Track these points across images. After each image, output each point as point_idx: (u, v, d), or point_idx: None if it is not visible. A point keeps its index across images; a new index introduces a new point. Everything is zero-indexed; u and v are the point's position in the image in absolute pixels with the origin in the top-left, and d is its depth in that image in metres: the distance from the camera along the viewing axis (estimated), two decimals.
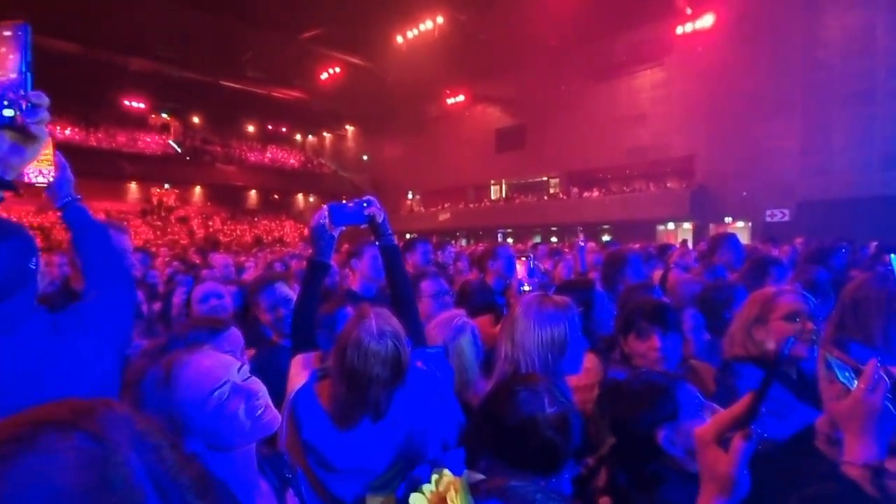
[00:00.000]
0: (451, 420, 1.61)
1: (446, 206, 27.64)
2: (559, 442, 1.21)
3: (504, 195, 27.05)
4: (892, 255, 1.94)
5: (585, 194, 22.13)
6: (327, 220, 1.81)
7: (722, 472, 0.95)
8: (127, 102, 26.07)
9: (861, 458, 1.09)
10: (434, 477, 0.67)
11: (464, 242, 23.24)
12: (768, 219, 14.74)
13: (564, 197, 23.04)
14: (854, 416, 1.10)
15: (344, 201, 1.89)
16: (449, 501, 0.64)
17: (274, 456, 1.23)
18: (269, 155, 31.48)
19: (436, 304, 2.67)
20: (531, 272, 3.01)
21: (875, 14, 14.57)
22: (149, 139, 26.95)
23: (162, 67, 22.87)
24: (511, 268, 3.38)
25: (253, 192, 31.25)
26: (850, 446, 1.11)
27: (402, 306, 1.85)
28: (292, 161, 32.49)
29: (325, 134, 35.19)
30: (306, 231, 28.90)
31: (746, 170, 17.00)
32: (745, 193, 16.56)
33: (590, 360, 2.16)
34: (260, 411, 1.05)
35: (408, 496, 0.67)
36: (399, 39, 21.38)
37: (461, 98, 26.01)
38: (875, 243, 6.29)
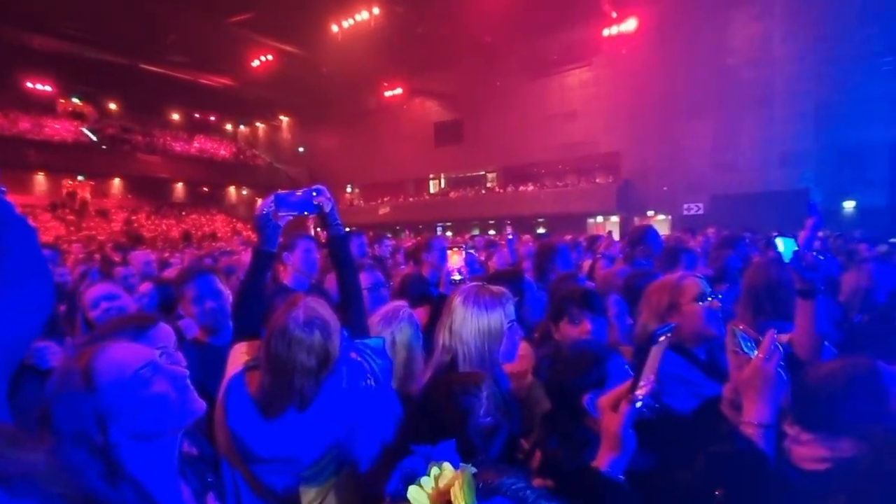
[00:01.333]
0: (387, 412, 1.57)
1: (386, 199, 27.49)
2: (481, 452, 1.22)
3: (443, 189, 27.28)
4: (778, 238, 2.09)
5: (521, 188, 22.86)
6: (273, 209, 1.76)
7: (612, 431, 1.12)
8: (30, 84, 23.68)
9: (757, 418, 1.22)
10: (434, 470, 0.64)
11: (405, 236, 23.25)
12: (685, 212, 15.99)
13: (501, 191, 23.66)
14: (752, 381, 1.24)
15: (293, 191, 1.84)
16: (452, 497, 0.59)
17: (196, 458, 1.22)
18: (196, 145, 29.72)
19: (371, 298, 2.67)
20: (469, 263, 3.10)
21: (772, 26, 16.20)
22: (57, 125, 24.59)
23: (70, 47, 20.87)
24: (445, 259, 3.47)
25: (179, 185, 29.42)
26: (747, 408, 1.25)
27: (349, 297, 1.84)
28: (223, 152, 30.88)
29: (258, 124, 33.74)
30: (240, 225, 27.79)
31: (666, 166, 18.34)
32: (665, 188, 17.91)
33: (523, 348, 2.21)
34: (186, 393, 1.05)
35: (401, 491, 0.63)
36: (335, 29, 20.86)
37: (399, 91, 25.82)
38: (775, 233, 7.03)
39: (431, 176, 27.86)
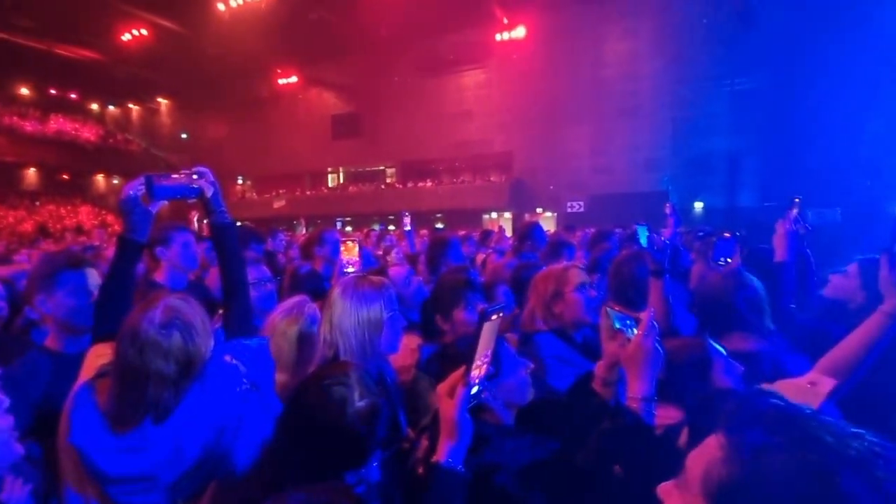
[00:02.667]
0: (266, 417, 1.43)
1: (281, 192, 26.23)
2: (367, 435, 1.20)
3: (342, 183, 26.74)
4: (639, 227, 2.23)
5: (420, 185, 23.20)
6: (143, 192, 1.57)
7: (448, 417, 1.09)
8: None
9: (640, 393, 1.29)
10: None
11: (300, 230, 22.40)
12: (569, 209, 17.39)
13: (400, 186, 23.80)
14: (634, 358, 1.31)
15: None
16: None
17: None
18: (53, 125, 25.92)
19: (256, 293, 2.51)
20: (365, 257, 3.13)
21: (639, 44, 18.23)
22: None
23: None
24: (339, 253, 3.31)
25: (31, 171, 25.54)
26: (631, 384, 1.32)
27: (232, 293, 1.71)
28: (87, 134, 27.23)
29: (131, 105, 30.25)
30: (109, 217, 24.74)
31: (552, 166, 19.79)
32: (551, 187, 19.40)
33: (411, 340, 2.26)
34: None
35: None
36: (221, 7, 19.40)
37: (294, 79, 24.73)
38: (635, 225, 7.96)
39: (330, 169, 27.13)
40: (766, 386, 1.57)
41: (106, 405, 1.28)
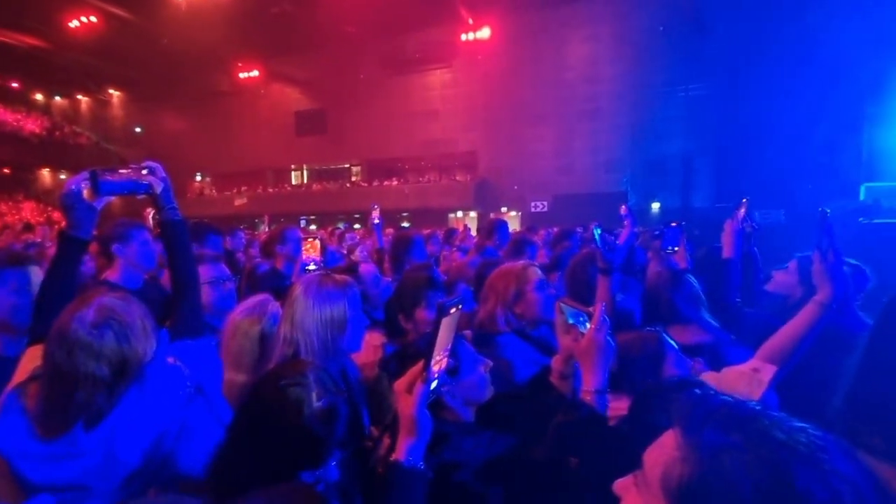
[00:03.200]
0: (212, 421, 1.38)
1: (243, 189, 25.56)
2: (325, 435, 1.18)
3: (306, 181, 26.27)
4: (595, 228, 2.29)
5: (386, 183, 23.07)
6: (88, 187, 1.49)
7: (407, 414, 1.06)
8: None
9: (593, 385, 1.32)
10: None
11: (263, 229, 21.88)
12: (532, 209, 17.72)
13: (366, 185, 23.60)
14: (587, 352, 1.34)
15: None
16: None
17: None
18: None
19: (215, 292, 2.48)
20: (330, 255, 3.08)
21: (600, 49, 18.74)
22: None
23: None
24: (301, 251, 3.27)
25: None
26: (585, 378, 1.35)
27: (181, 292, 1.66)
28: (31, 126, 25.73)
29: (79, 96, 28.79)
30: (56, 215, 23.56)
31: (516, 167, 20.10)
32: (516, 187, 19.70)
33: (376, 338, 2.29)
34: None
35: None
36: None
37: (256, 73, 24.13)
38: (593, 224, 8.21)
39: (293, 167, 26.62)
40: (712, 374, 1.65)
41: (34, 410, 1.22)
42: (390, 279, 3.63)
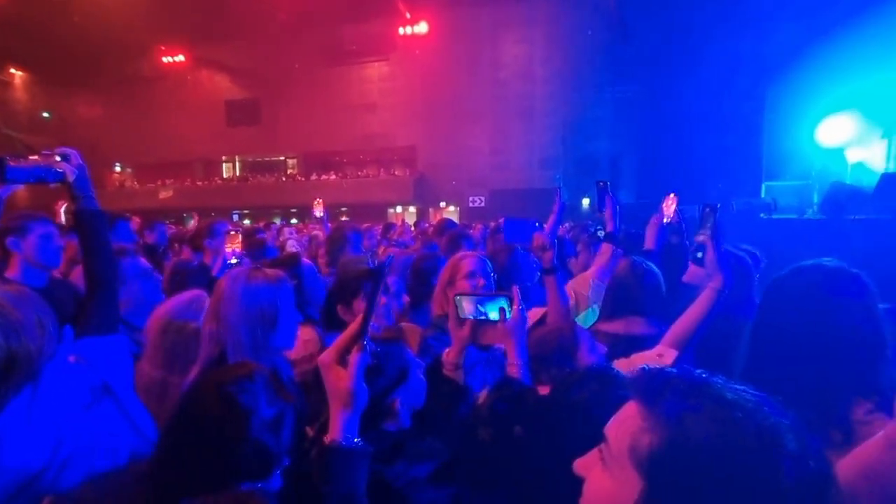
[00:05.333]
0: (121, 422, 1.30)
1: (168, 182, 24.06)
2: (273, 445, 1.11)
3: (238, 174, 25.14)
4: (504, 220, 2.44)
5: (324, 177, 22.57)
6: None
7: (343, 387, 1.00)
8: None
9: (519, 358, 1.44)
10: None
11: (192, 223, 20.73)
12: (471, 204, 18.01)
13: (303, 179, 22.97)
14: (514, 329, 1.45)
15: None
16: None
17: None
18: None
19: (135, 288, 2.40)
20: (269, 250, 3.00)
21: (533, 50, 19.35)
22: None
23: None
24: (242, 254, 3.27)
25: None
26: (511, 353, 1.47)
27: (95, 287, 1.57)
28: None
29: None
30: None
31: (454, 162, 20.34)
32: (454, 182, 19.94)
33: (307, 333, 2.21)
34: None
35: None
36: None
37: (181, 58, 22.76)
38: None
39: (224, 158, 25.38)
40: (623, 360, 1.79)
41: None
42: (327, 274, 3.62)
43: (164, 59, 22.74)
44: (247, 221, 20.13)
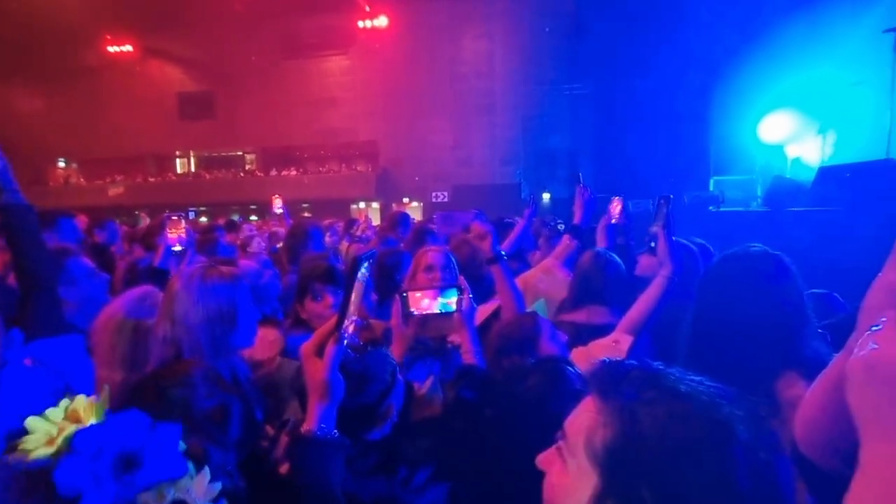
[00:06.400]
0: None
1: (118, 178, 22.93)
2: (218, 438, 1.10)
3: (193, 169, 24.25)
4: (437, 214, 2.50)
5: (284, 173, 22.08)
6: None
7: (319, 378, 1.01)
8: None
9: (473, 346, 1.58)
10: (64, 402, 0.61)
11: (143, 221, 19.82)
12: (433, 199, 18.02)
13: (262, 174, 22.39)
14: (466, 320, 1.57)
15: None
16: (82, 415, 0.59)
17: None
18: None
19: (82, 289, 2.30)
20: (223, 248, 2.92)
21: (493, 46, 19.47)
22: None
23: None
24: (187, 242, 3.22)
25: None
26: (466, 343, 1.61)
27: (30, 287, 1.52)
28: None
29: None
30: None
31: (417, 157, 20.27)
32: (416, 178, 19.91)
33: (269, 332, 2.19)
34: None
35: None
36: None
37: (129, 48, 21.68)
38: (492, 218, 8.68)
39: (178, 153, 24.40)
40: (581, 348, 1.92)
41: None
42: (288, 271, 3.58)
43: (110, 49, 21.59)
44: (203, 219, 19.48)
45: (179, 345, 1.46)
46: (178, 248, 2.50)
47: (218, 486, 0.68)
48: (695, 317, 1.58)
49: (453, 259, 2.31)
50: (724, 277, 1.53)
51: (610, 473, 0.64)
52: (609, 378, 0.70)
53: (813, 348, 1.38)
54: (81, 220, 5.24)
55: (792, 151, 10.10)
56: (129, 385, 1.22)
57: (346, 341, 1.04)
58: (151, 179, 23.16)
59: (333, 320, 1.03)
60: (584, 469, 0.66)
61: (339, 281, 2.16)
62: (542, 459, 0.75)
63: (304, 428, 1.03)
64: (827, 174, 6.36)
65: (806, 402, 0.78)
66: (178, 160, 24.59)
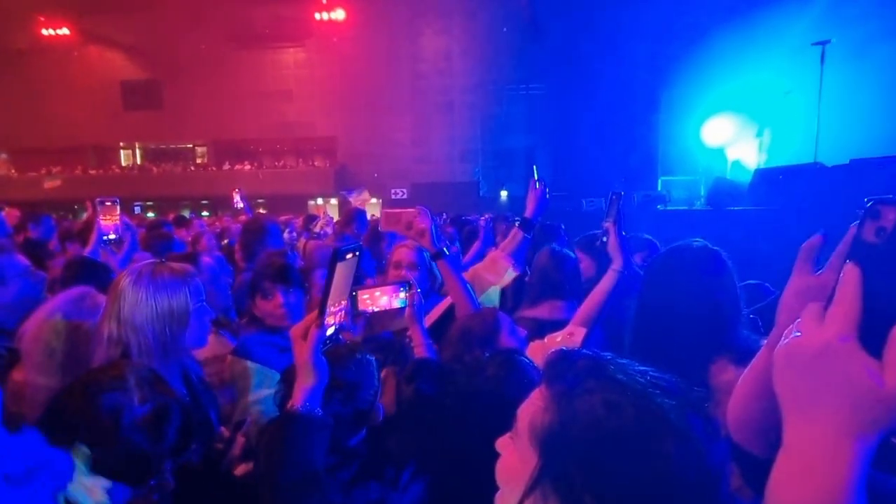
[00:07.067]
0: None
1: (55, 170, 21.51)
2: (150, 446, 1.06)
3: (139, 161, 23.08)
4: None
5: (237, 167, 21.37)
6: None
7: (303, 359, 1.08)
8: None
9: (423, 339, 1.65)
10: None
11: (86, 215, 18.70)
12: (393, 196, 17.92)
13: (214, 168, 21.59)
14: (416, 314, 1.64)
15: None
16: None
17: None
18: None
19: (15, 288, 2.21)
20: (174, 244, 2.78)
21: (452, 43, 19.55)
22: None
23: None
24: (129, 238, 3.08)
25: None
26: (417, 336, 1.66)
27: None
28: None
29: None
30: None
31: (375, 154, 20.13)
32: (375, 175, 19.72)
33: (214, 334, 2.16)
34: None
35: None
36: None
37: (65, 31, 20.35)
38: (451, 215, 8.77)
39: (122, 145, 23.15)
40: (539, 342, 1.97)
41: None
42: (243, 269, 3.49)
43: (45, 32, 20.19)
44: (150, 214, 18.58)
45: (126, 345, 1.41)
46: (111, 236, 2.32)
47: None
48: (639, 307, 1.68)
49: (426, 256, 2.30)
50: (666, 270, 1.63)
51: (546, 456, 0.67)
52: (557, 366, 0.72)
53: (744, 336, 1.50)
54: (12, 215, 4.94)
55: (732, 154, 10.74)
56: (58, 391, 1.14)
57: (336, 327, 1.10)
58: (92, 172, 21.87)
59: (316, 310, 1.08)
60: (526, 452, 0.70)
61: (293, 280, 2.11)
62: (499, 443, 0.78)
63: (290, 405, 1.08)
64: (762, 176, 6.79)
65: (736, 392, 0.82)
66: (122, 152, 23.33)
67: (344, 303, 1.13)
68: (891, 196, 0.46)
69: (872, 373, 0.46)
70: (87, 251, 2.27)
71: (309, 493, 1.02)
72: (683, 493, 0.61)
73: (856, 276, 0.48)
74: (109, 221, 2.33)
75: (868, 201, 0.48)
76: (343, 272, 1.07)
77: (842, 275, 0.49)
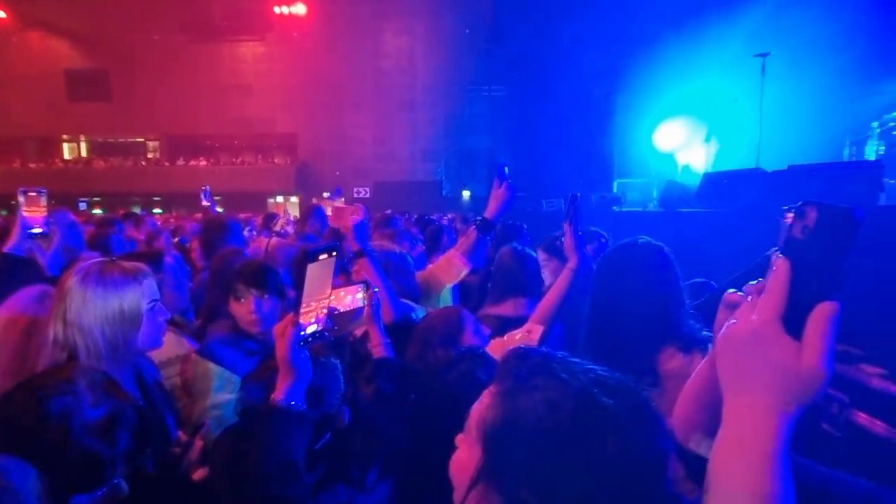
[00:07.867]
0: None
1: None
2: (103, 451, 1.03)
3: (85, 156, 21.90)
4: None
5: (192, 163, 20.62)
6: None
7: (281, 356, 1.10)
8: None
9: (380, 338, 1.66)
10: None
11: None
12: (355, 195, 17.76)
13: (168, 164, 20.76)
14: (374, 315, 1.68)
15: None
16: None
17: None
18: None
19: None
20: (130, 244, 2.66)
21: (415, 43, 19.57)
22: None
23: None
24: (76, 237, 2.98)
25: None
26: (376, 335, 1.68)
27: None
28: None
29: None
30: None
31: (337, 152, 19.94)
32: (338, 173, 19.49)
33: (172, 336, 2.06)
34: None
35: None
36: None
37: (2, 15, 19.12)
38: (416, 215, 8.78)
39: (66, 137, 21.90)
40: (498, 339, 2.05)
41: None
42: (201, 268, 3.41)
43: None
44: (97, 210, 17.66)
45: (74, 348, 1.36)
46: (37, 230, 2.13)
47: None
48: (591, 302, 1.77)
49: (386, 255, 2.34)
50: (614, 266, 1.73)
51: (488, 452, 0.69)
52: (508, 364, 0.74)
53: (689, 325, 1.62)
54: None
55: (682, 158, 11.23)
56: (3, 394, 1.09)
57: (319, 326, 1.12)
58: (32, 165, 20.66)
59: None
60: (474, 448, 0.71)
61: (268, 286, 1.99)
62: (458, 439, 0.79)
63: (272, 398, 1.10)
64: (709, 180, 7.10)
65: (682, 397, 0.85)
66: (66, 145, 22.07)
67: (325, 302, 1.14)
68: (814, 199, 0.53)
69: (791, 353, 0.52)
70: (7, 247, 2.08)
71: (289, 485, 1.04)
72: (620, 490, 0.62)
73: (785, 268, 0.54)
74: (35, 214, 2.14)
75: (797, 204, 0.54)
76: (317, 272, 1.07)
77: (773, 267, 0.55)
